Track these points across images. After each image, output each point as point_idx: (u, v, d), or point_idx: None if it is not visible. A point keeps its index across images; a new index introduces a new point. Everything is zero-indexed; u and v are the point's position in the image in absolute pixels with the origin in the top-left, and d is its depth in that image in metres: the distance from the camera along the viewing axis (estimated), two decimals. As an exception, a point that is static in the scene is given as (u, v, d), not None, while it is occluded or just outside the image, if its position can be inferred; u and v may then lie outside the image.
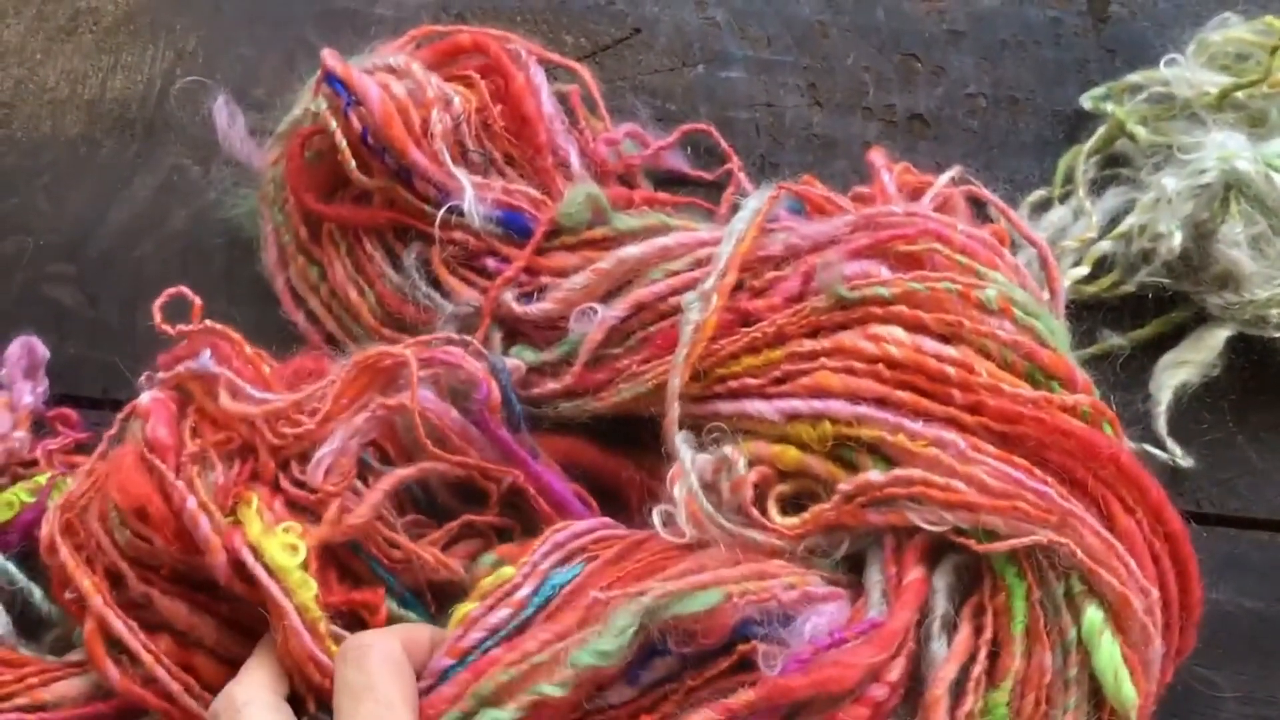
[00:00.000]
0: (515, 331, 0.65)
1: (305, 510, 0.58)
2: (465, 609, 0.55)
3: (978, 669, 0.50)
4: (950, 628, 0.51)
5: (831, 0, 0.81)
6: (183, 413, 0.60)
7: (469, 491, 0.62)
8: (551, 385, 0.63)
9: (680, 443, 0.57)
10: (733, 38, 0.80)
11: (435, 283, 0.67)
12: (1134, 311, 0.70)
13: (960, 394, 0.53)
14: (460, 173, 0.65)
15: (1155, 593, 0.52)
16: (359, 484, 0.59)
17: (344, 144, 0.66)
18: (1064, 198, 0.73)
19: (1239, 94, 0.70)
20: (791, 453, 0.56)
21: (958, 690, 0.50)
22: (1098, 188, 0.73)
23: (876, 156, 0.67)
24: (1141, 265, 0.69)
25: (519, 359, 0.64)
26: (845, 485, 0.53)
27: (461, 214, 0.65)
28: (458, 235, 0.66)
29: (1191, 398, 0.68)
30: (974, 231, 0.60)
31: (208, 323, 0.63)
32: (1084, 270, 0.69)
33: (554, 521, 0.59)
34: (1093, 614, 0.50)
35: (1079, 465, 0.53)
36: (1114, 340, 0.69)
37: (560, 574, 0.55)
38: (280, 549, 0.55)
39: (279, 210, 0.71)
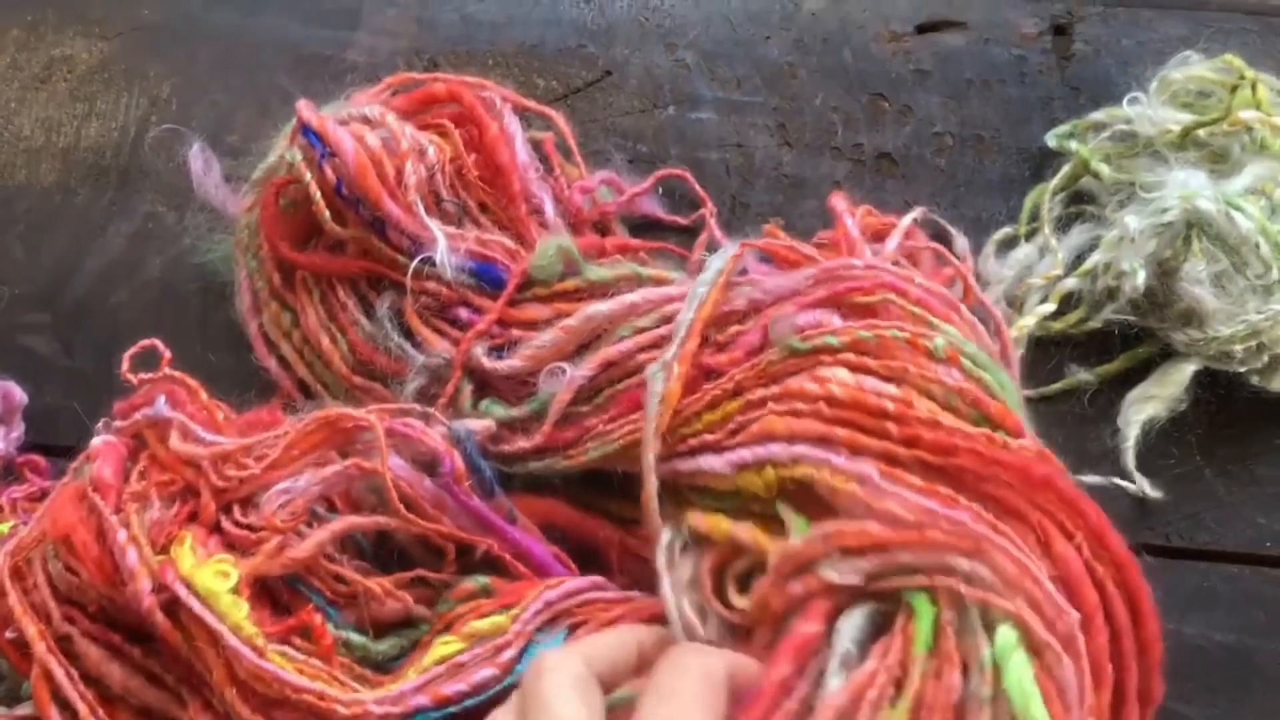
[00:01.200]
0: (485, 384, 0.66)
1: (242, 551, 0.58)
2: (448, 649, 0.55)
3: (874, 692, 0.48)
4: (852, 666, 0.50)
5: (799, 42, 0.82)
6: (135, 459, 0.61)
7: (437, 547, 0.61)
8: (522, 443, 0.63)
9: (662, 552, 0.57)
10: (702, 79, 0.81)
11: (408, 333, 0.67)
12: (1101, 347, 0.71)
13: (896, 428, 0.53)
14: (434, 223, 0.66)
15: (1074, 615, 0.50)
16: (302, 528, 0.59)
17: (318, 195, 0.67)
18: (1030, 235, 0.74)
19: (1200, 132, 0.71)
20: (722, 526, 0.56)
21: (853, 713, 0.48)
22: (1063, 225, 0.73)
23: (838, 201, 0.68)
24: (1107, 302, 0.69)
25: (489, 414, 0.64)
26: (772, 558, 0.53)
27: (435, 264, 0.65)
28: (430, 286, 0.66)
29: (1159, 432, 0.68)
30: (931, 285, 0.60)
31: (166, 371, 0.63)
32: (1050, 307, 0.70)
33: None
34: (1005, 633, 0.49)
35: (1016, 495, 0.52)
36: (1081, 375, 0.70)
37: (543, 643, 0.55)
38: (211, 576, 0.55)
39: (253, 256, 0.72)
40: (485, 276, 0.66)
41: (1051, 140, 0.76)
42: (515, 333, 0.65)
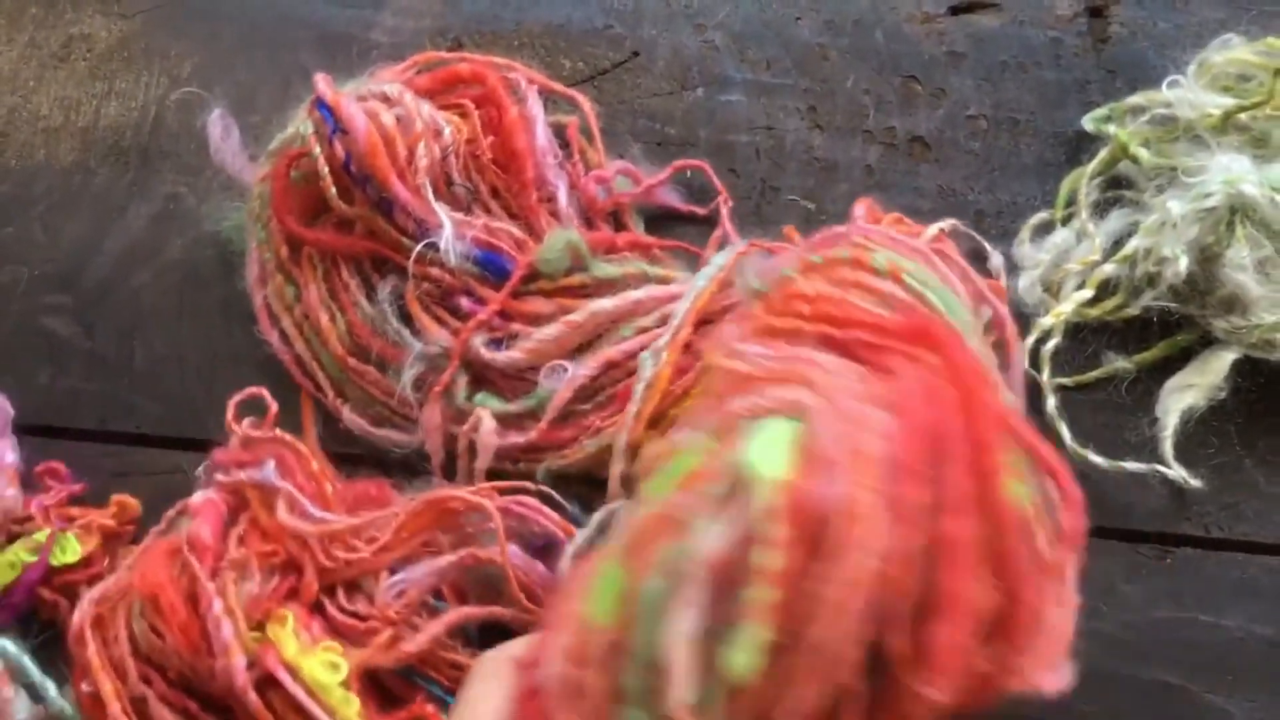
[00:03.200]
0: (482, 378, 0.65)
1: (348, 640, 0.57)
2: None
3: None
4: None
5: (830, 23, 0.81)
6: (234, 519, 0.60)
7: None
8: (515, 439, 0.62)
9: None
10: (732, 61, 0.80)
11: (407, 318, 0.66)
12: (1139, 334, 0.69)
13: (809, 307, 0.51)
14: (441, 208, 0.65)
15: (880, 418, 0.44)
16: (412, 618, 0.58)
17: (326, 171, 0.66)
18: (1066, 220, 0.72)
19: (1242, 116, 0.70)
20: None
21: None
22: (1101, 210, 0.72)
23: (859, 208, 0.67)
24: (1146, 288, 0.68)
25: (485, 407, 0.63)
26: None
27: (439, 250, 0.64)
28: (434, 272, 0.66)
29: (1198, 421, 0.67)
30: (906, 239, 0.58)
31: (277, 431, 0.62)
32: (1088, 293, 0.69)
33: None
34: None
35: (897, 356, 0.48)
36: (1119, 363, 0.69)
37: None
38: (320, 666, 0.54)
39: (262, 227, 0.71)
40: (490, 266, 0.65)
41: (1089, 124, 0.75)
42: (516, 326, 0.64)
